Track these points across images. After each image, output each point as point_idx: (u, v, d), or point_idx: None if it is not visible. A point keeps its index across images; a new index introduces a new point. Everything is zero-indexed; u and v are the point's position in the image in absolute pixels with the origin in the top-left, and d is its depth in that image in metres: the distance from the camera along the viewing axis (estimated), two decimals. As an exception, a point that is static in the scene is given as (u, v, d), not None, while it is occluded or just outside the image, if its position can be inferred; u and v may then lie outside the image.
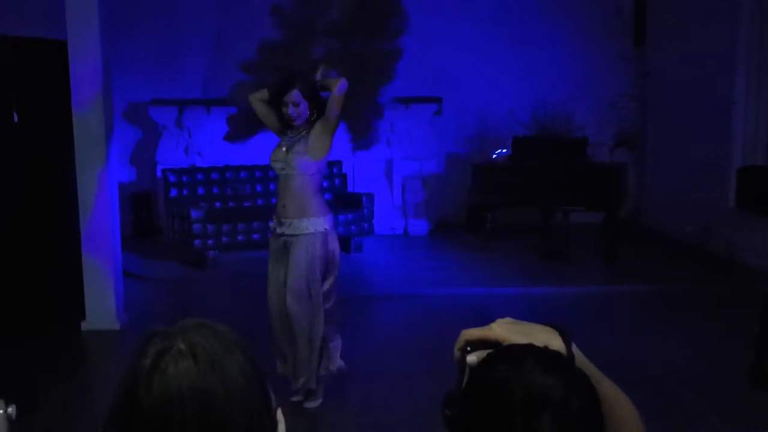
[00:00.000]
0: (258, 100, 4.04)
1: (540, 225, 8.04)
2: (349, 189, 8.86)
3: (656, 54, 9.30)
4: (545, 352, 1.06)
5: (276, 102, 3.92)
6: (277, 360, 4.07)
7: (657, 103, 9.32)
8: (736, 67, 7.44)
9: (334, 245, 4.01)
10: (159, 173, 8.67)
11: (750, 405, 4.05)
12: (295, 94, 3.81)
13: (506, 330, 1.10)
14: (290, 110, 3.82)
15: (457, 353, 1.11)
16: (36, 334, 5.45)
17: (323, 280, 3.96)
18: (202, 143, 8.86)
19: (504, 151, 8.31)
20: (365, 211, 8.08)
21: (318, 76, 3.97)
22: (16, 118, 5.77)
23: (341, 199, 8.26)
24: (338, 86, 3.81)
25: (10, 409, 1.42)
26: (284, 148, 3.91)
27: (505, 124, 9.02)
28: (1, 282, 5.70)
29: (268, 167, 8.33)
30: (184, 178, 8.15)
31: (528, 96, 8.90)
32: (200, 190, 8.16)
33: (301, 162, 3.85)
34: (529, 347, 1.07)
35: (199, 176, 8.24)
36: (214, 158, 8.79)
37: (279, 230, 3.97)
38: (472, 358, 1.08)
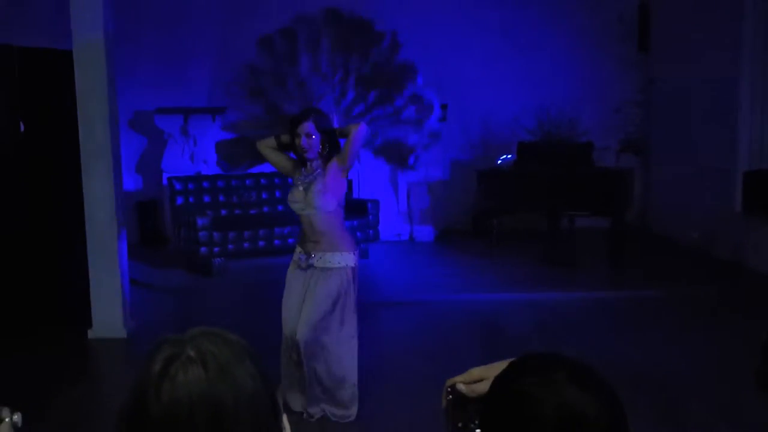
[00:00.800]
0: (266, 147, 4.08)
1: (546, 230, 8.03)
2: (355, 195, 8.87)
3: (661, 59, 9.30)
4: (575, 364, 1.04)
5: (289, 137, 3.95)
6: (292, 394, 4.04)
7: (662, 107, 9.31)
8: (740, 71, 7.42)
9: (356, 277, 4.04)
10: (165, 181, 8.70)
11: (758, 410, 4.03)
12: (308, 126, 3.85)
13: (485, 369, 1.13)
14: (303, 141, 3.85)
15: (444, 401, 1.15)
16: (43, 342, 5.46)
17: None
18: (208, 151, 8.87)
19: (509, 157, 8.30)
20: (371, 217, 8.09)
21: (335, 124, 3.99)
22: (22, 128, 5.79)
23: (347, 205, 8.22)
24: (357, 130, 3.86)
25: (15, 417, 1.42)
26: (301, 188, 3.94)
27: (509, 130, 9.02)
28: (8, 290, 5.71)
29: (274, 174, 8.43)
30: (190, 186, 8.16)
31: (532, 102, 8.90)
32: (206, 198, 8.17)
33: (321, 201, 3.88)
34: (559, 358, 1.05)
35: (205, 184, 8.26)
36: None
37: (310, 261, 3.94)
38: (452, 382, 1.13)
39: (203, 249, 7.36)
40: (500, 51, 9.35)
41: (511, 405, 1.02)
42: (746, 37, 7.37)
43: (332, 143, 3.95)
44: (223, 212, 8.12)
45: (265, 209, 8.39)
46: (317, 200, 3.88)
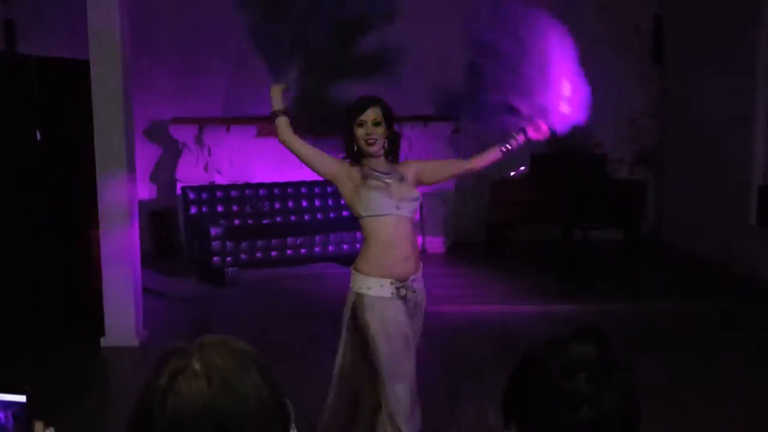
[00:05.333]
0: (288, 132, 3.16)
1: (559, 242, 7.99)
2: (368, 206, 8.86)
3: (675, 71, 9.26)
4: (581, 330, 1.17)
5: (348, 125, 3.18)
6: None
7: (677, 120, 9.27)
8: (755, 84, 7.38)
9: None
10: (179, 191, 8.74)
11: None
12: (376, 111, 3.14)
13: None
14: (370, 131, 3.12)
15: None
16: (56, 349, 5.48)
17: None
18: (222, 161, 8.93)
19: (522, 168, 8.28)
20: (383, 228, 8.07)
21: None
22: (38, 137, 5.84)
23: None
24: (480, 164, 3.44)
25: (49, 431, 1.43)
26: (391, 186, 3.20)
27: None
28: (21, 298, 5.75)
29: (287, 184, 8.45)
30: (204, 196, 8.20)
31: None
32: (219, 208, 8.20)
33: (413, 204, 3.25)
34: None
35: (219, 194, 8.29)
36: (233, 176, 8.85)
37: (412, 286, 3.20)
38: None
39: (216, 258, 7.38)
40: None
41: (523, 366, 1.14)
42: (761, 50, 7.33)
43: (393, 137, 3.24)
44: (236, 222, 8.14)
45: (278, 219, 8.41)
46: (410, 203, 3.21)
